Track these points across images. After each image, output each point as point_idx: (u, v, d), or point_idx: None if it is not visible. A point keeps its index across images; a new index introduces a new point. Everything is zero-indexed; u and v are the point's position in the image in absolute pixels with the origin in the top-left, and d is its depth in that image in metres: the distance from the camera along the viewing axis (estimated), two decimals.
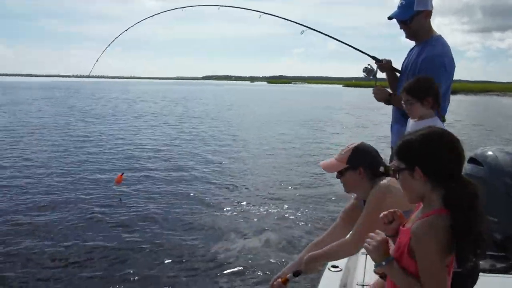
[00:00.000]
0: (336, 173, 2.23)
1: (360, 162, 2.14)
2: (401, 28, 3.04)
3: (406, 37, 3.08)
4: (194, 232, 5.33)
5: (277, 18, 4.15)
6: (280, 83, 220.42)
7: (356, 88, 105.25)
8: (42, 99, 34.04)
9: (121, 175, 6.46)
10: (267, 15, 4.08)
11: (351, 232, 2.12)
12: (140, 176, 8.15)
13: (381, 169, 2.14)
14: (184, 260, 4.50)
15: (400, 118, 3.19)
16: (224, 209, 6.24)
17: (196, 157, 10.31)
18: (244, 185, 7.62)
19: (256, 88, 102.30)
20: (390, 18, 3.05)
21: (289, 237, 5.13)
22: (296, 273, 2.29)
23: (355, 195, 2.35)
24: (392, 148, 3.37)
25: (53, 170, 8.40)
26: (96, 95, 44.78)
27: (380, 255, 1.41)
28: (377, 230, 1.48)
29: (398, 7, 2.99)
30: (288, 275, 2.34)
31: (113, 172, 8.13)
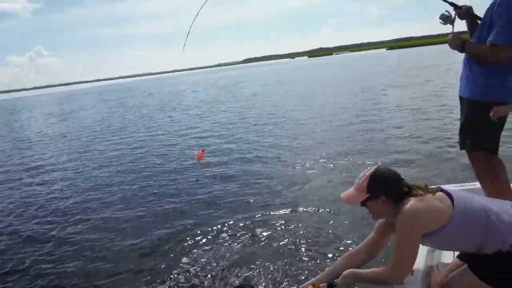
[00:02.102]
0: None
1: (380, 190, 2.09)
2: None
3: None
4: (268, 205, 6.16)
5: None
6: (321, 55, 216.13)
7: (400, 49, 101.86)
8: (100, 103, 36.23)
9: (202, 151, 6.65)
10: None
11: (391, 263, 2.06)
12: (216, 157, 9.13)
13: (405, 189, 2.08)
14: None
15: (466, 64, 3.08)
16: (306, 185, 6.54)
17: (260, 137, 11.11)
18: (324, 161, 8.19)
19: (297, 64, 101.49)
20: None
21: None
22: (330, 286, 2.24)
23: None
24: (460, 97, 3.20)
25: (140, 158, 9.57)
26: (147, 91, 46.89)
27: None
28: None
29: None
30: (321, 284, 2.28)
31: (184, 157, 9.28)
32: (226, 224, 4.98)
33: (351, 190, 2.19)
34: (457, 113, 9.43)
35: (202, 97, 28.25)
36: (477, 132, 3.02)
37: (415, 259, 2.04)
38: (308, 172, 6.93)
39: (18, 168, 10.37)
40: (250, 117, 14.76)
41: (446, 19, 3.07)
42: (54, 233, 5.47)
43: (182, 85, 54.10)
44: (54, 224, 5.81)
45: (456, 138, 3.38)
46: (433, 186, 2.17)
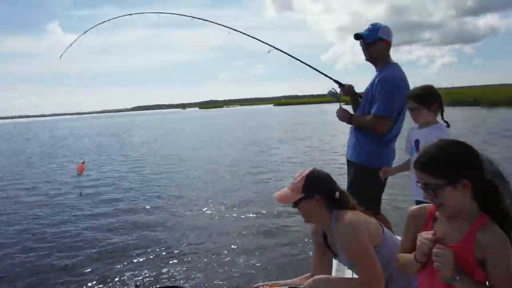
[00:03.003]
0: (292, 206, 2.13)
1: (315, 190, 2.06)
2: (363, 50, 3.31)
3: (366, 59, 3.32)
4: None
5: (245, 35, 4.37)
6: (212, 107, 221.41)
7: (286, 106, 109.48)
8: None
9: (83, 163, 5.97)
10: (235, 31, 4.31)
11: (361, 276, 1.93)
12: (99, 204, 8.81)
13: (337, 195, 2.08)
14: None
15: (353, 132, 3.38)
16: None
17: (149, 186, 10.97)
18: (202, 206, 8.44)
19: (189, 115, 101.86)
20: (357, 35, 3.28)
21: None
22: None
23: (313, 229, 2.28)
24: (347, 160, 3.50)
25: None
26: (25, 135, 42.92)
27: (452, 270, 1.39)
28: (439, 245, 1.43)
29: (366, 29, 3.27)
30: (282, 287, 2.19)
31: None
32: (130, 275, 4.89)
33: (285, 190, 2.14)
34: (334, 168, 10.69)
35: (87, 144, 26.85)
36: (363, 195, 3.20)
37: (378, 263, 1.91)
38: (196, 220, 7.09)
39: None
40: (139, 166, 14.42)
41: (333, 95, 3.48)
42: None
43: (64, 130, 50.69)
44: None
45: None
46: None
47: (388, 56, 3.28)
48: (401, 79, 3.16)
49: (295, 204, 2.10)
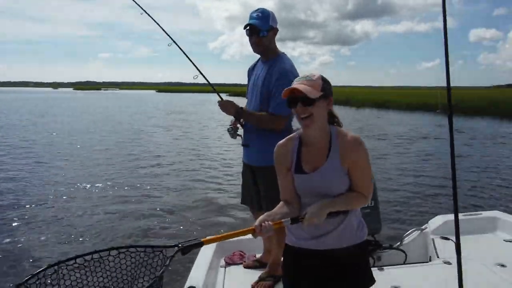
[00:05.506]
0: (301, 106, 1.83)
1: (329, 91, 1.89)
2: (252, 41, 2.96)
3: (255, 51, 3.01)
4: None
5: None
6: (88, 89, 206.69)
7: (168, 93, 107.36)
8: None
9: None
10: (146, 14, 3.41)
11: (365, 190, 1.92)
12: None
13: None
14: None
15: (256, 134, 3.06)
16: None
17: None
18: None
19: (61, 95, 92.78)
20: (247, 25, 2.95)
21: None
22: (295, 220, 1.94)
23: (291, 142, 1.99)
24: (252, 166, 3.10)
25: None
26: None
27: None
28: None
29: (255, 17, 2.92)
30: (283, 220, 1.94)
31: None
32: None
33: (301, 85, 1.82)
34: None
35: None
36: (268, 194, 2.99)
37: None
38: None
39: None
40: None
41: (234, 133, 3.12)
42: None
43: None
44: None
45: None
46: None
47: (276, 45, 3.02)
48: (295, 71, 2.90)
49: (310, 102, 1.80)
